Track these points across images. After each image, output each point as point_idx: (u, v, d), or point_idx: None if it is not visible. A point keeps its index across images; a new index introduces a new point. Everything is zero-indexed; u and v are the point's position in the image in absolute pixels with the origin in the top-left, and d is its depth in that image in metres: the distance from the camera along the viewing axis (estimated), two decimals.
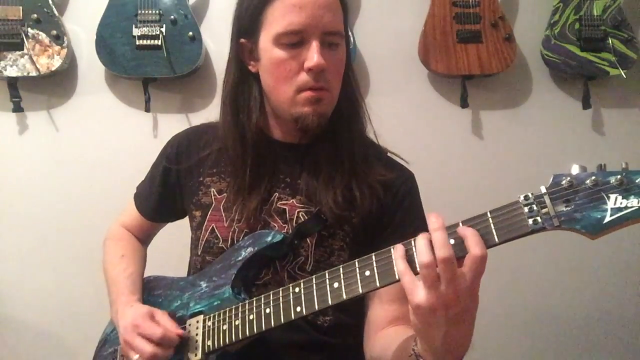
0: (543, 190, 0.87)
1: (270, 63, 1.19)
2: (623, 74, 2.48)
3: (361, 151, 1.28)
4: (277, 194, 1.28)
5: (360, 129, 1.31)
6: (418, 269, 0.88)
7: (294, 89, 1.18)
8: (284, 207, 1.27)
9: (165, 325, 1.18)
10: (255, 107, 1.27)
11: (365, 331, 1.28)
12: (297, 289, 1.08)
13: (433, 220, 0.89)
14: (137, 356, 1.17)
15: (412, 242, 0.94)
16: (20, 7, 2.33)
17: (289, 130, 1.28)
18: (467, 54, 2.47)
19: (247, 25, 1.23)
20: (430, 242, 0.88)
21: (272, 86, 1.22)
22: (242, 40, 1.25)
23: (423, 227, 1.27)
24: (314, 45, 1.15)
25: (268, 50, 1.19)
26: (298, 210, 1.26)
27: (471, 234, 0.87)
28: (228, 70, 1.31)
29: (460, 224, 0.91)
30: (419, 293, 0.88)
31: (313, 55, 1.15)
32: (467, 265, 0.86)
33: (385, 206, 1.27)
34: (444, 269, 0.85)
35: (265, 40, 1.19)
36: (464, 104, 2.54)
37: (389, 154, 1.37)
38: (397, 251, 0.93)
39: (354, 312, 1.29)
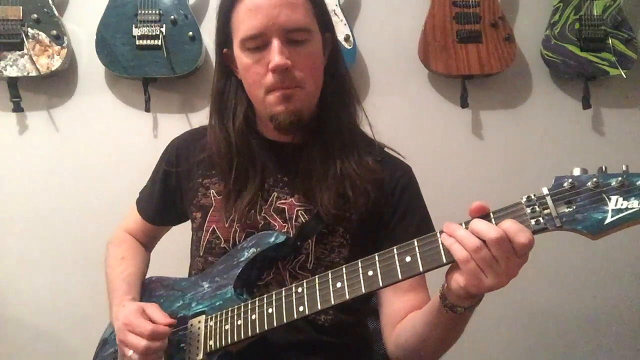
0: (545, 191, 0.89)
1: (242, 69, 1.23)
2: (623, 74, 2.48)
3: (353, 148, 1.28)
4: (275, 193, 1.29)
5: (350, 123, 1.31)
6: (464, 257, 0.90)
7: (263, 91, 1.20)
8: (283, 206, 1.27)
9: (155, 318, 1.19)
10: (240, 112, 1.29)
11: (384, 327, 1.29)
12: (299, 289, 1.09)
13: (477, 221, 0.92)
14: (131, 352, 1.18)
15: (415, 242, 0.96)
16: (20, 7, 2.33)
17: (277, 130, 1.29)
18: (467, 54, 2.48)
19: (223, 36, 1.26)
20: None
21: (248, 91, 1.25)
22: (225, 50, 1.28)
23: (426, 220, 1.30)
24: (274, 46, 1.16)
25: (238, 57, 1.22)
26: (297, 209, 1.27)
27: (510, 224, 0.88)
28: (214, 78, 1.34)
29: (463, 225, 0.92)
30: (489, 278, 0.90)
31: (274, 56, 1.15)
32: (518, 252, 0.88)
33: (384, 203, 1.28)
34: (501, 249, 0.88)
35: (235, 47, 1.22)
36: (464, 104, 2.54)
37: (385, 149, 1.37)
38: (446, 239, 0.94)
39: (354, 311, 1.29)
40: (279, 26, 1.16)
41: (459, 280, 0.93)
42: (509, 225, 0.88)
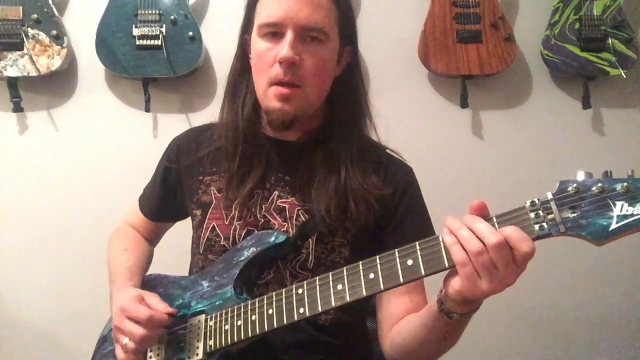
0: (549, 196, 0.88)
1: (254, 55, 1.25)
2: (623, 74, 2.48)
3: (359, 161, 1.28)
4: (277, 191, 1.29)
5: (359, 132, 1.32)
6: (463, 259, 0.89)
7: (267, 81, 1.21)
8: (284, 205, 1.27)
9: (154, 306, 1.18)
10: (249, 99, 1.30)
11: (381, 328, 1.29)
12: (300, 290, 1.08)
13: (468, 216, 0.91)
14: (126, 339, 1.17)
15: (417, 244, 0.96)
16: (20, 7, 2.33)
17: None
18: (467, 54, 2.48)
19: (246, 21, 1.29)
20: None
21: (254, 77, 1.26)
22: (246, 35, 1.30)
23: (426, 222, 1.31)
24: (287, 38, 1.18)
25: (254, 42, 1.24)
26: (297, 208, 1.27)
27: (513, 231, 0.88)
28: (232, 63, 1.35)
29: None
30: (483, 284, 0.89)
31: (283, 47, 1.17)
32: (518, 260, 0.88)
33: (385, 204, 1.28)
34: (500, 255, 0.87)
35: (253, 33, 1.25)
36: (464, 104, 2.54)
37: (387, 151, 1.38)
38: (447, 238, 0.92)
39: (354, 311, 1.29)
40: (297, 21, 1.17)
41: (454, 284, 0.93)
42: (511, 232, 0.87)
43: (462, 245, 0.89)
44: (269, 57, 1.20)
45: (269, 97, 1.21)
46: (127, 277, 1.35)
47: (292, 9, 1.17)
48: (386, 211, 1.28)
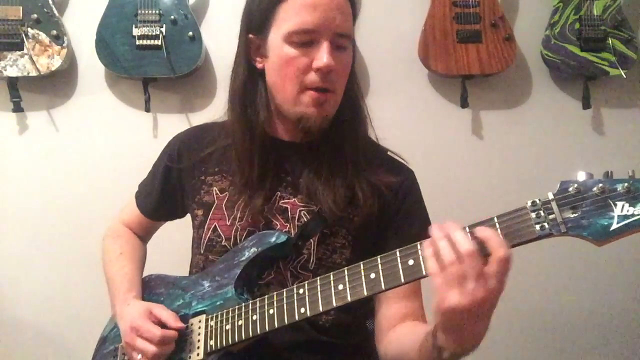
0: (550, 196, 0.88)
1: (280, 60, 1.20)
2: (623, 74, 2.48)
3: (364, 154, 1.29)
4: (279, 192, 1.28)
5: (363, 131, 1.32)
6: (434, 271, 0.89)
7: (299, 87, 1.19)
8: (286, 205, 1.27)
9: (164, 321, 1.19)
10: (262, 104, 1.27)
11: (377, 331, 1.29)
12: (301, 290, 1.09)
13: (449, 225, 0.91)
14: (139, 356, 1.18)
15: (419, 245, 0.96)
16: (20, 7, 2.33)
17: (292, 129, 1.28)
18: (467, 54, 2.48)
19: (257, 21, 1.24)
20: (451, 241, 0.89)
21: (278, 83, 1.22)
22: (251, 35, 1.26)
23: (427, 224, 1.28)
24: (325, 46, 1.16)
25: (278, 47, 1.20)
26: (300, 209, 1.27)
27: (492, 235, 0.87)
28: (236, 66, 1.31)
29: (467, 229, 0.91)
30: (451, 296, 0.87)
31: (323, 56, 1.15)
32: (494, 267, 0.86)
33: (386, 206, 1.28)
34: (470, 265, 0.86)
35: (275, 37, 1.20)
36: (463, 104, 2.54)
37: (389, 153, 1.38)
38: (425, 250, 0.92)
39: (355, 311, 1.30)
40: (333, 28, 1.16)
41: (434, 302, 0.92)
42: (488, 234, 0.87)
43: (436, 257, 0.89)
44: (301, 64, 1.17)
45: (304, 103, 1.20)
46: (127, 288, 1.35)
47: (328, 16, 1.15)
48: (388, 210, 1.28)
